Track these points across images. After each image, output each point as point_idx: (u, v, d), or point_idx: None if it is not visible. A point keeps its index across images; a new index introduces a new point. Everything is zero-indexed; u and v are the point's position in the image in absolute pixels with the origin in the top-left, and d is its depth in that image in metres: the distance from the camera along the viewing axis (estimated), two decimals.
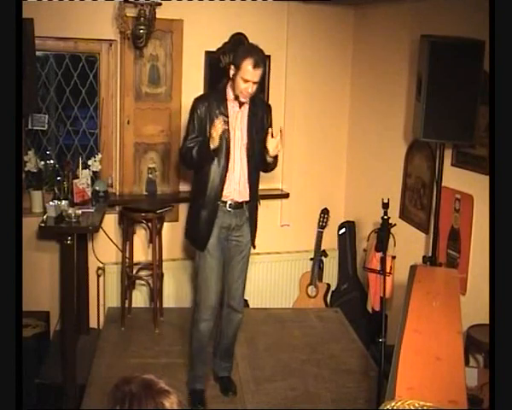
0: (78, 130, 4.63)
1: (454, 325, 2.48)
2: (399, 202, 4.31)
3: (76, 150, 4.59)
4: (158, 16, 4.23)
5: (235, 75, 3.30)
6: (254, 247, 3.61)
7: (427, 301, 2.67)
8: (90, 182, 4.23)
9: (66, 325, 3.74)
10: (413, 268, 3.05)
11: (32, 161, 4.24)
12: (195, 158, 3.37)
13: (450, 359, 2.23)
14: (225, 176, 3.38)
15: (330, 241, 5.06)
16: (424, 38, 3.36)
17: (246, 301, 4.42)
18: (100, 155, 4.42)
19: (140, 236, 4.59)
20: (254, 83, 3.28)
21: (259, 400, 3.62)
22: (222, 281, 3.53)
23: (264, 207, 4.20)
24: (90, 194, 4.22)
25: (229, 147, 3.37)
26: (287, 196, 4.91)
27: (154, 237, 4.31)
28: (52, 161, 4.41)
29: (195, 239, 3.53)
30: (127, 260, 4.40)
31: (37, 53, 4.00)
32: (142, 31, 4.17)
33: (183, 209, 4.55)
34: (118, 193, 4.55)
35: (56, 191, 4.13)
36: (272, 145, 3.36)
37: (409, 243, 4.03)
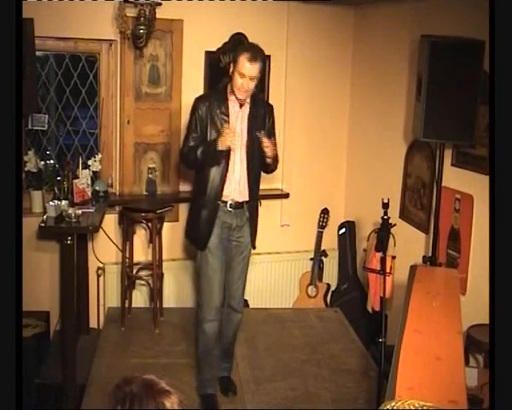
0: (78, 130, 4.63)
1: (454, 325, 2.48)
2: (399, 202, 4.31)
3: (76, 150, 4.59)
4: (158, 16, 4.23)
5: (233, 72, 3.30)
6: (254, 247, 3.62)
7: (427, 301, 2.67)
8: (90, 182, 4.23)
9: (66, 325, 3.74)
10: (413, 268, 3.05)
11: (32, 161, 4.24)
12: (200, 158, 3.36)
13: (450, 359, 2.23)
14: (225, 176, 3.38)
15: (330, 241, 5.06)
16: (424, 38, 3.36)
17: (246, 301, 4.42)
18: (100, 155, 4.42)
19: (140, 236, 4.59)
20: (251, 78, 3.27)
21: (259, 400, 3.62)
22: (224, 281, 3.53)
23: (264, 208, 4.21)
24: (90, 194, 4.22)
25: (229, 148, 3.37)
26: (287, 196, 4.91)
27: (154, 237, 4.31)
28: (52, 161, 4.41)
29: (196, 239, 3.53)
30: (127, 260, 4.40)
31: (37, 53, 4.00)
32: (142, 31, 4.17)
33: (183, 209, 4.55)
34: (118, 193, 4.55)
35: (56, 191, 4.13)
36: (266, 147, 3.35)
37: (409, 243, 4.03)
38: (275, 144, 3.44)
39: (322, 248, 4.98)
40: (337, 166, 5.11)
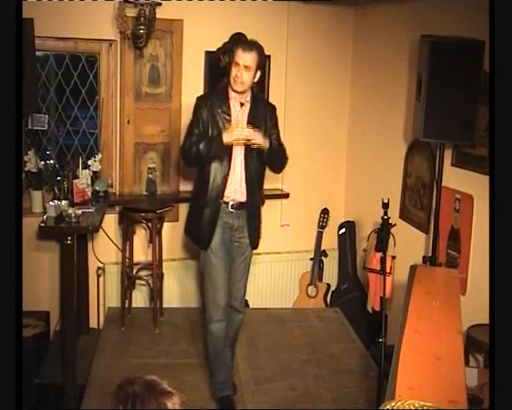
0: (78, 130, 4.63)
1: (454, 325, 2.48)
2: (399, 202, 4.31)
3: (76, 150, 4.59)
4: (158, 16, 4.23)
5: (230, 67, 3.32)
6: (255, 248, 3.61)
7: (427, 301, 2.67)
8: (90, 182, 4.23)
9: (66, 325, 3.74)
10: (413, 268, 3.05)
11: (32, 161, 4.24)
12: (202, 152, 3.33)
13: (450, 359, 2.23)
14: (227, 175, 3.38)
15: (330, 241, 5.06)
16: (424, 38, 3.36)
17: (246, 301, 4.41)
18: (100, 155, 4.42)
19: (140, 236, 4.59)
20: (246, 68, 3.27)
21: (259, 400, 3.62)
22: (228, 281, 3.52)
23: (265, 207, 4.20)
24: (90, 194, 4.22)
25: (231, 147, 3.37)
26: (287, 196, 4.91)
27: (154, 237, 4.31)
28: (52, 161, 4.41)
29: (198, 238, 3.52)
30: (127, 260, 4.40)
31: (37, 53, 4.00)
32: (142, 31, 4.17)
33: (183, 209, 4.55)
34: (118, 193, 4.55)
35: (56, 191, 4.13)
36: (252, 140, 3.33)
37: (409, 243, 4.03)
38: (280, 141, 3.43)
39: (322, 248, 4.98)
40: (337, 166, 5.11)
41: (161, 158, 4.57)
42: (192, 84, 4.46)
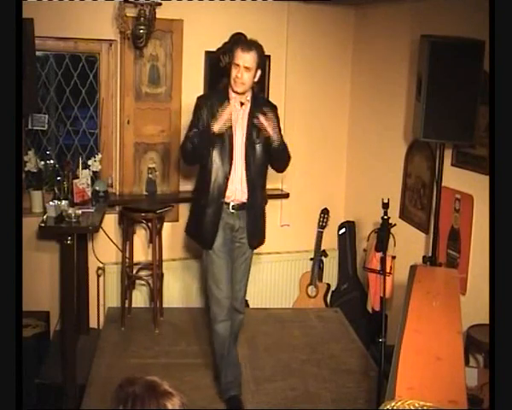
0: (78, 130, 4.63)
1: (454, 325, 2.48)
2: (399, 202, 4.31)
3: (76, 150, 4.59)
4: (158, 16, 4.23)
5: (229, 68, 3.32)
6: (255, 248, 3.61)
7: (427, 301, 2.67)
8: (90, 182, 4.23)
9: (66, 325, 3.74)
10: (413, 268, 3.05)
11: (32, 161, 4.24)
12: (196, 143, 3.34)
13: (451, 359, 2.23)
14: (229, 174, 3.38)
15: (330, 241, 5.06)
16: (424, 38, 3.36)
17: (246, 301, 4.41)
18: (100, 155, 4.42)
19: (140, 236, 4.59)
20: (246, 69, 3.27)
21: (259, 400, 3.62)
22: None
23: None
24: (90, 194, 4.22)
25: (232, 146, 3.37)
26: (287, 196, 4.91)
27: (154, 237, 4.31)
28: (52, 161, 4.41)
29: (200, 238, 3.52)
30: (127, 260, 4.40)
31: (37, 53, 4.00)
32: (142, 31, 4.17)
33: (183, 209, 4.55)
34: (118, 193, 4.55)
35: (56, 191, 4.13)
36: (265, 127, 3.32)
37: (409, 243, 4.03)
38: (282, 140, 3.44)
39: (322, 248, 4.98)
40: (337, 166, 5.11)
41: (161, 158, 4.57)
42: (192, 84, 4.46)
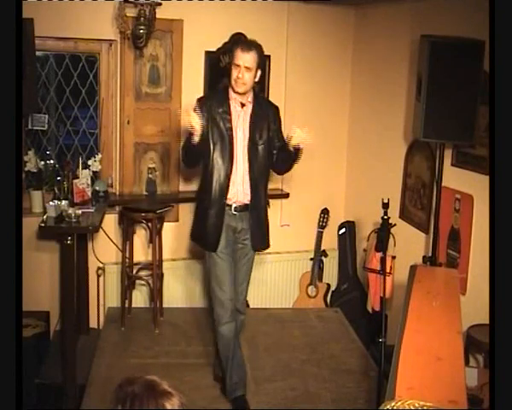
0: (78, 130, 4.63)
1: (454, 325, 2.48)
2: (399, 202, 4.31)
3: (76, 150, 4.59)
4: (158, 16, 4.23)
5: (230, 68, 3.32)
6: (255, 250, 3.61)
7: (427, 301, 2.67)
8: (90, 182, 4.23)
9: (66, 325, 3.74)
10: (413, 268, 3.05)
11: (32, 161, 4.24)
12: (187, 147, 3.39)
13: (451, 359, 2.22)
14: (230, 175, 3.38)
15: (330, 241, 5.06)
16: (424, 38, 3.36)
17: (246, 301, 4.41)
18: (100, 155, 4.42)
19: (140, 236, 4.59)
20: (246, 69, 3.27)
21: (259, 400, 3.62)
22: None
23: None
24: (90, 194, 4.22)
25: (232, 147, 3.37)
26: (287, 196, 4.91)
27: (154, 237, 4.31)
28: (52, 161, 4.41)
29: (204, 241, 3.51)
30: (127, 260, 4.40)
31: (37, 53, 4.00)
32: (142, 31, 4.17)
33: (183, 209, 4.56)
34: (118, 193, 4.55)
35: (56, 191, 4.13)
36: (294, 139, 3.37)
37: (409, 243, 4.03)
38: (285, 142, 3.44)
39: (322, 248, 4.98)
40: (337, 166, 5.11)
41: (161, 158, 4.57)
42: (192, 84, 4.46)
